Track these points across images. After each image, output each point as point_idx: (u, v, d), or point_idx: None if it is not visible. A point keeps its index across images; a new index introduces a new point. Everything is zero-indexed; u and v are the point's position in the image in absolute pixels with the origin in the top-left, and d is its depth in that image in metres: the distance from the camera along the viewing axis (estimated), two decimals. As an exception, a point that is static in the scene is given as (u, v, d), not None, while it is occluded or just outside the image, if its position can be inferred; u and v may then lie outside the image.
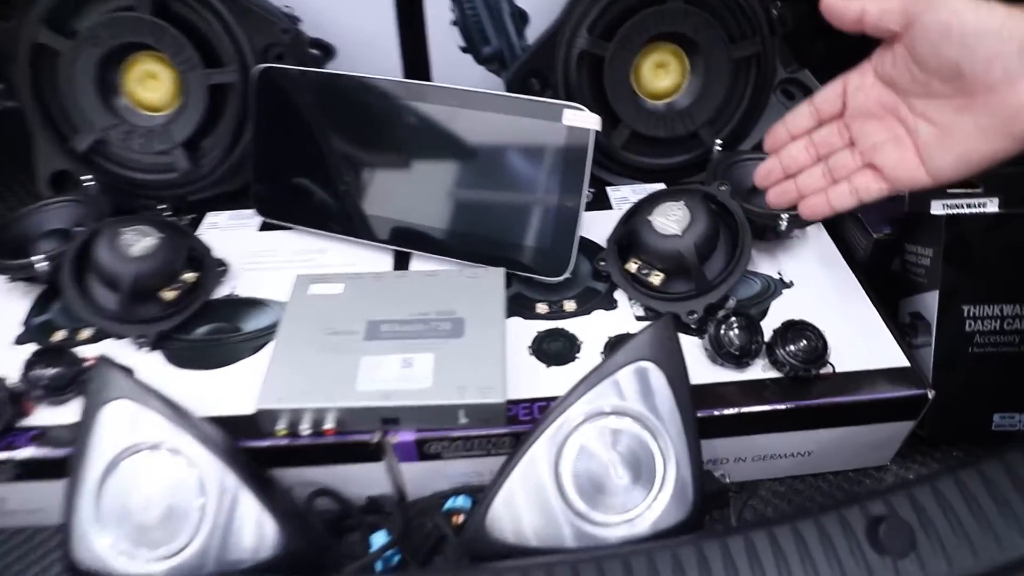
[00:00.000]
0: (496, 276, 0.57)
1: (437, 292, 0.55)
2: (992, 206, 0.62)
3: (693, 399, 0.46)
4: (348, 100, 0.61)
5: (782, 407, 0.51)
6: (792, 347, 0.51)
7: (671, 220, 0.56)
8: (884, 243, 0.61)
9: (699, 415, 0.47)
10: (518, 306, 0.58)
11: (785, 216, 0.57)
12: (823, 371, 0.51)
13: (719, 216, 0.58)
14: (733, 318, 0.52)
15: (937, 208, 0.61)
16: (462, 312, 0.53)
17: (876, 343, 0.55)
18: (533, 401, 0.51)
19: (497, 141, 0.58)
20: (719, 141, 0.67)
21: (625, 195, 0.70)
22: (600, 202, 0.69)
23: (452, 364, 0.49)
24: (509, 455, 0.46)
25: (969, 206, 0.62)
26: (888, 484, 0.57)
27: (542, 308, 0.58)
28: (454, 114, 0.59)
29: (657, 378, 0.45)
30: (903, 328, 0.59)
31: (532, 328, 0.56)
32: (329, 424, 0.47)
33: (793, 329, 0.51)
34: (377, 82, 0.61)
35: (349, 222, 0.63)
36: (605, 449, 0.44)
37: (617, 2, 0.67)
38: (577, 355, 0.54)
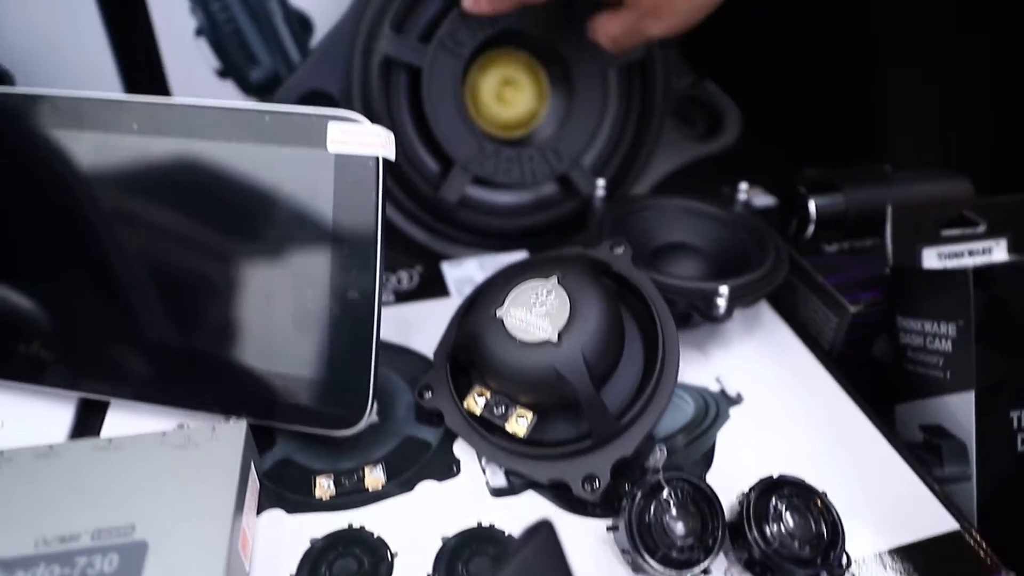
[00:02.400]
0: (231, 437, 0.30)
1: (102, 486, 0.28)
2: (1000, 250, 0.42)
3: None
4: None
5: (775, 651, 0.27)
6: (779, 531, 0.27)
7: (537, 315, 0.31)
8: (864, 319, 0.40)
9: None
10: (281, 487, 0.32)
11: (725, 290, 0.35)
12: (837, 569, 0.28)
13: (618, 298, 0.35)
14: (667, 488, 0.28)
15: (931, 258, 0.41)
16: (146, 526, 0.27)
17: (892, 491, 0.33)
18: None
19: (218, 192, 0.32)
20: (601, 183, 0.45)
21: (470, 273, 0.46)
22: (433, 286, 0.45)
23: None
24: None
25: (972, 252, 0.42)
26: None
27: (325, 487, 0.32)
28: (138, 147, 0.32)
29: None
30: (916, 453, 0.37)
31: (304, 530, 0.30)
32: None
33: (778, 495, 0.28)
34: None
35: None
36: None
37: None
38: (384, 587, 0.28)
